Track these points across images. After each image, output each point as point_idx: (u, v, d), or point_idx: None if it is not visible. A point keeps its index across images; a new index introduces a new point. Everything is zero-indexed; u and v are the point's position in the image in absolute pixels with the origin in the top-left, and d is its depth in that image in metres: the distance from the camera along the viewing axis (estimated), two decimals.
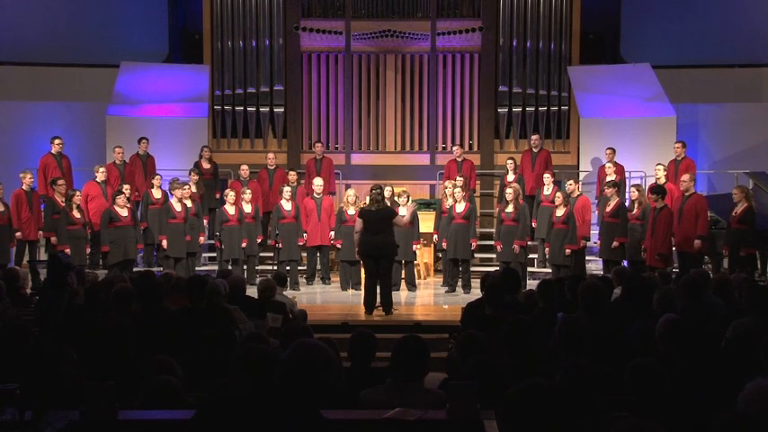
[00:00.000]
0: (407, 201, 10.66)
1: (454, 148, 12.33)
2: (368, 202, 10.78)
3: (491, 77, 13.47)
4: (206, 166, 11.80)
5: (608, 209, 10.18)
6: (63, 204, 10.11)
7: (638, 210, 9.90)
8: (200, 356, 4.38)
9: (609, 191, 10.28)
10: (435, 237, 10.90)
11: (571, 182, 10.77)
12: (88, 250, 10.40)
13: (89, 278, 7.37)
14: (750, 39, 13.81)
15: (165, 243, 10.38)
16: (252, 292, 7.52)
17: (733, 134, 13.49)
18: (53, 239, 10.01)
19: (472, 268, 10.84)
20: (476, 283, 9.62)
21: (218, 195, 12.03)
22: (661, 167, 10.69)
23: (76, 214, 10.09)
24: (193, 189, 11.05)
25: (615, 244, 9.95)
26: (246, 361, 2.92)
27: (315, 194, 11.09)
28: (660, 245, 9.40)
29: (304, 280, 11.13)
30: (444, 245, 10.50)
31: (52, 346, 4.00)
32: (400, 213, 9.67)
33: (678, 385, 3.54)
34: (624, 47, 14.13)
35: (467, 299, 8.82)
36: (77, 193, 10.35)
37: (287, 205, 10.84)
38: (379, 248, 8.61)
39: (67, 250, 9.67)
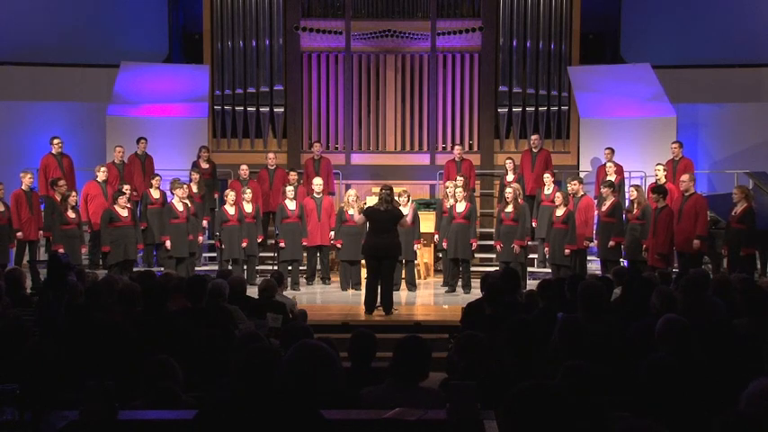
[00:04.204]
0: (408, 201, 10.67)
1: (456, 148, 12.32)
2: (369, 202, 10.82)
3: (491, 77, 13.48)
4: (204, 166, 11.80)
5: (603, 208, 10.21)
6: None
7: (638, 210, 9.91)
8: (200, 357, 4.38)
9: (605, 191, 10.30)
10: (436, 237, 10.92)
11: (576, 182, 10.75)
12: (84, 250, 10.41)
13: (89, 278, 7.37)
14: (750, 39, 13.81)
15: (168, 243, 10.37)
16: (252, 292, 7.52)
17: (733, 134, 13.50)
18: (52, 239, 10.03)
19: (472, 268, 10.85)
20: (476, 283, 9.62)
21: (216, 195, 12.04)
22: (661, 167, 10.70)
23: (71, 214, 10.09)
24: (194, 189, 11.05)
25: (612, 243, 9.97)
26: (246, 361, 2.92)
27: (315, 194, 11.09)
28: (661, 245, 9.40)
29: (304, 280, 11.13)
30: (445, 245, 10.50)
31: (52, 346, 3.99)
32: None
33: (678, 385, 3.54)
34: (624, 47, 14.13)
35: (467, 299, 8.82)
36: (73, 193, 10.35)
37: (291, 205, 10.84)
38: (383, 249, 8.61)
39: (61, 249, 9.64)
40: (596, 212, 10.67)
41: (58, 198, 10.17)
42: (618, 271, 7.50)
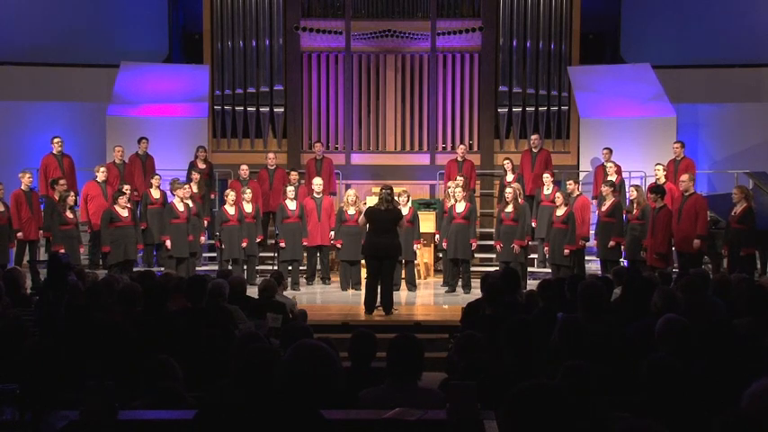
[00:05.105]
0: (407, 201, 10.68)
1: (459, 147, 12.32)
2: (369, 202, 10.82)
3: (491, 77, 13.47)
4: (201, 166, 11.80)
5: (603, 208, 10.21)
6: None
7: (638, 210, 9.91)
8: (200, 357, 4.38)
9: (605, 190, 10.30)
10: (437, 237, 10.92)
11: (570, 182, 10.77)
12: (82, 250, 10.40)
13: (89, 278, 7.37)
14: (750, 39, 13.81)
15: (168, 243, 10.36)
16: (252, 292, 7.52)
17: (733, 134, 13.50)
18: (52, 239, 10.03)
19: (472, 268, 10.84)
20: (476, 283, 9.61)
21: (213, 196, 12.04)
22: (660, 167, 10.70)
23: (69, 215, 10.08)
24: (194, 189, 11.04)
25: (612, 243, 9.97)
26: (246, 361, 2.92)
27: (315, 194, 11.09)
28: (659, 244, 9.40)
29: (304, 280, 11.13)
30: (444, 245, 10.50)
31: (52, 346, 3.99)
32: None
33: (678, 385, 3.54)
34: (624, 47, 14.13)
35: (467, 299, 8.82)
36: (71, 193, 10.35)
37: (291, 205, 10.84)
38: (383, 249, 8.61)
39: (61, 250, 9.63)
40: (596, 212, 10.68)
41: (58, 198, 10.17)
42: (618, 271, 7.50)
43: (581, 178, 12.13)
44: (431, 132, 13.53)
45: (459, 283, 10.51)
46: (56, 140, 11.23)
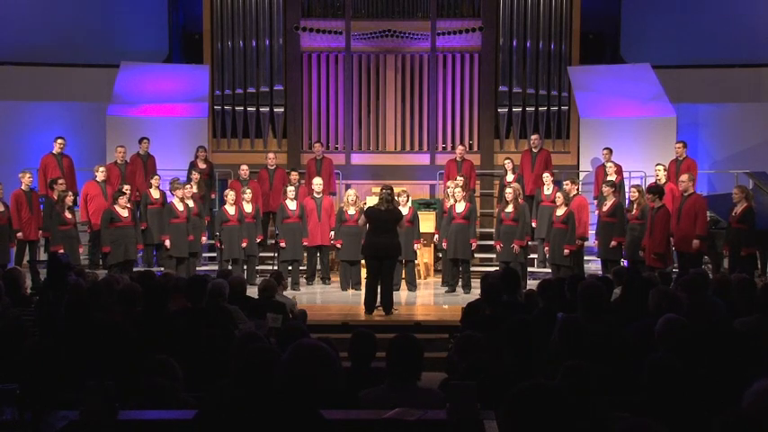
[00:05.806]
0: (407, 201, 10.68)
1: (458, 147, 12.32)
2: (369, 202, 10.82)
3: (491, 77, 13.47)
4: (201, 166, 11.80)
5: (604, 208, 10.20)
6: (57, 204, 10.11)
7: (638, 210, 9.91)
8: (200, 357, 4.38)
9: (606, 190, 10.30)
10: (436, 237, 10.92)
11: (567, 182, 10.76)
12: (81, 250, 10.40)
13: (89, 278, 7.36)
14: (750, 39, 13.81)
15: (168, 243, 10.36)
16: (252, 292, 7.52)
17: (733, 134, 13.50)
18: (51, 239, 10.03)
19: (472, 268, 10.84)
20: (476, 283, 9.61)
21: (213, 196, 12.04)
22: (661, 168, 10.69)
23: (68, 215, 10.07)
24: (195, 189, 11.05)
25: (613, 243, 9.97)
26: (246, 361, 2.92)
27: (315, 194, 11.09)
28: (657, 244, 9.40)
29: (304, 280, 11.13)
30: (444, 245, 10.50)
31: (52, 346, 3.99)
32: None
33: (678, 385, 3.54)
34: (624, 47, 14.13)
35: (467, 299, 8.82)
36: (69, 193, 10.34)
37: (291, 205, 10.84)
38: (383, 249, 8.61)
39: (61, 250, 9.61)
40: (596, 212, 10.67)
41: (56, 198, 10.16)
42: (618, 271, 7.50)
43: (581, 178, 12.13)
44: (431, 132, 13.53)
45: (460, 283, 10.51)
46: (58, 141, 11.21)
